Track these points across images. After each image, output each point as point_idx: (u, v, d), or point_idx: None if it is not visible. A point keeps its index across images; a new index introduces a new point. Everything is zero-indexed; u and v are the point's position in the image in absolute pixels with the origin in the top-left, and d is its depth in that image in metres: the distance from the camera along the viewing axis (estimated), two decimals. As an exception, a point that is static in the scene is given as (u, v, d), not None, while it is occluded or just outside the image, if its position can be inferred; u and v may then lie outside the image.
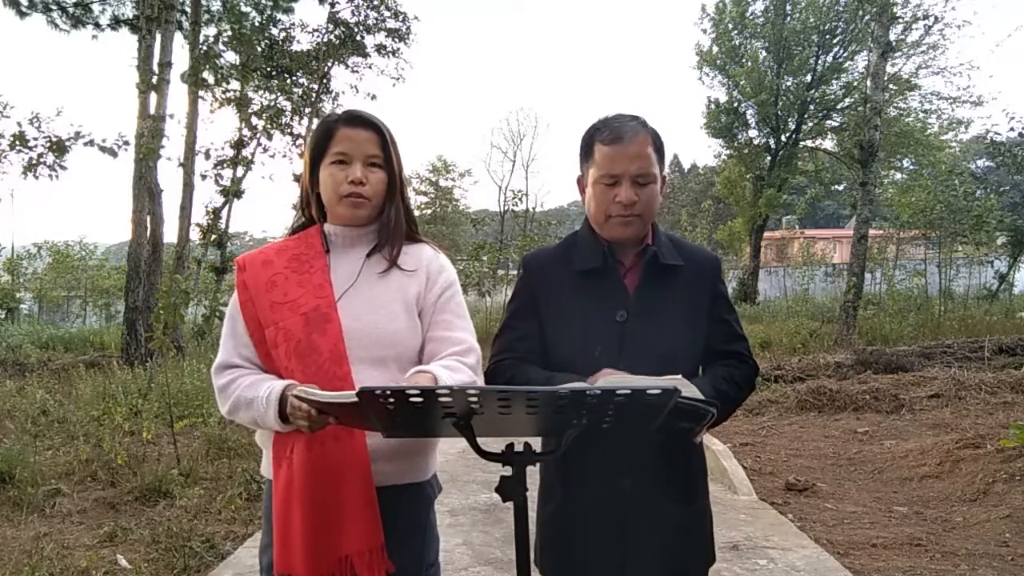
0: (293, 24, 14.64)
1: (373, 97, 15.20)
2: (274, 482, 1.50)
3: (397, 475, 1.56)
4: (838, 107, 22.18)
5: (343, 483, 1.46)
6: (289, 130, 13.70)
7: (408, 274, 1.62)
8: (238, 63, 13.18)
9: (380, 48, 14.95)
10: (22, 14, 12.79)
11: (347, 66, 15.03)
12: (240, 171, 12.77)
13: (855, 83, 21.22)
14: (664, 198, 1.77)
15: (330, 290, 1.56)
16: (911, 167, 21.94)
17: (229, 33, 13.18)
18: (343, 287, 1.57)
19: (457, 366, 1.53)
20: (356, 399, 1.17)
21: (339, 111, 1.66)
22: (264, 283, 1.57)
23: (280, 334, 1.52)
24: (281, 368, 1.51)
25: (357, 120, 1.60)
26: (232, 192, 12.57)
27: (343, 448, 1.47)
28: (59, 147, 9.36)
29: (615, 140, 1.61)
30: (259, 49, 13.39)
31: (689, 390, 1.40)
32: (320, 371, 1.48)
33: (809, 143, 23.58)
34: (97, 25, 13.52)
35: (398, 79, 15.32)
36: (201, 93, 11.72)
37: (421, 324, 1.61)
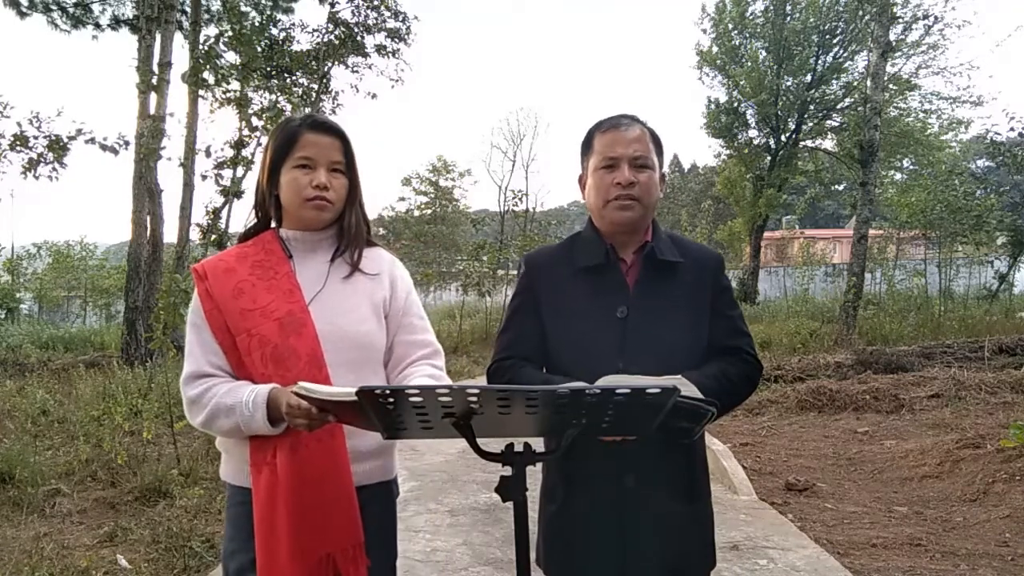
0: (293, 24, 14.63)
1: (373, 97, 15.22)
2: (254, 488, 1.49)
3: (368, 475, 1.60)
4: (838, 107, 22.18)
5: (326, 483, 1.48)
6: (288, 130, 13.67)
7: (371, 277, 1.66)
8: (238, 63, 13.17)
9: (380, 48, 14.94)
10: (22, 14, 12.80)
11: (347, 66, 15.03)
12: (240, 171, 12.76)
13: (855, 83, 21.22)
14: (664, 198, 1.79)
15: (300, 295, 1.58)
16: (911, 167, 21.95)
17: (229, 33, 13.17)
18: (311, 292, 1.59)
19: (438, 374, 1.61)
20: (355, 398, 1.17)
21: (299, 115, 1.68)
22: (230, 291, 1.57)
23: (253, 340, 1.52)
24: (256, 375, 1.51)
25: (322, 127, 1.62)
26: (232, 192, 12.55)
27: (325, 449, 1.49)
28: (59, 147, 9.35)
29: (614, 128, 1.67)
30: (259, 49, 13.38)
31: (688, 389, 1.41)
32: (300, 375, 1.48)
33: (809, 143, 23.59)
34: (97, 25, 13.53)
35: (398, 79, 15.33)
36: (201, 93, 11.71)
37: (388, 327, 1.66)
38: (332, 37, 14.18)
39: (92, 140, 9.54)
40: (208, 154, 10.77)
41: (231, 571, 1.58)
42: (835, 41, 21.89)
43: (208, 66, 11.12)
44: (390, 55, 15.06)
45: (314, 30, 14.39)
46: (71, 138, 9.44)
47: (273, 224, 1.70)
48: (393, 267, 1.72)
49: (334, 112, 15.09)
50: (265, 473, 1.48)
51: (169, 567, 3.45)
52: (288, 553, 1.44)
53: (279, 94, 13.75)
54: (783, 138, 22.96)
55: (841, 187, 28.47)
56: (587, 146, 1.73)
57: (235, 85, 13.45)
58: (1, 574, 3.26)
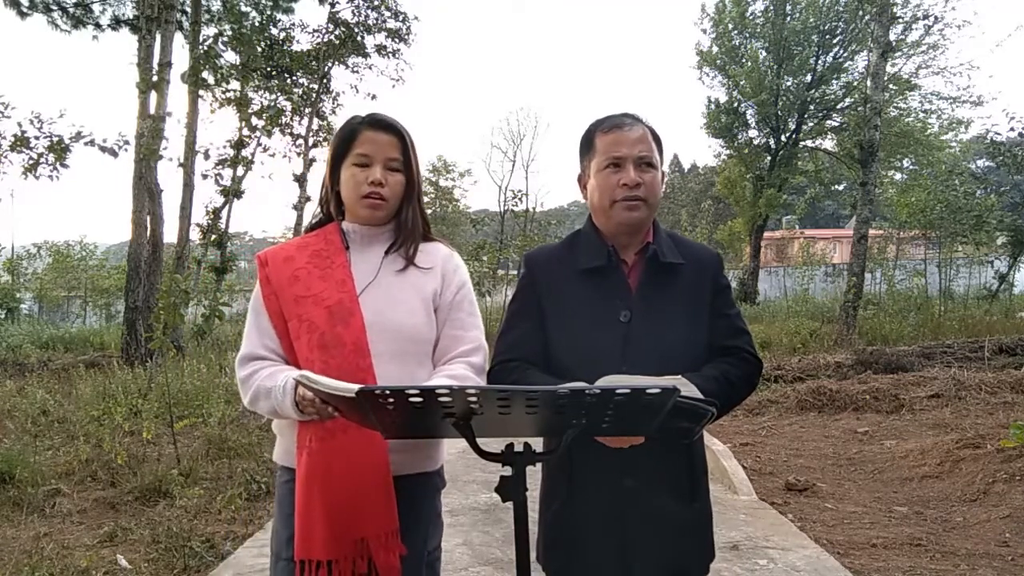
0: (293, 24, 14.64)
1: (373, 97, 15.19)
2: (297, 469, 1.55)
3: (410, 465, 1.62)
4: (838, 107, 22.18)
5: (362, 470, 1.52)
6: (289, 130, 13.70)
7: (424, 271, 1.69)
8: (238, 63, 13.18)
9: (380, 48, 14.95)
10: (23, 15, 12.79)
11: (347, 66, 15.04)
12: (240, 171, 12.77)
13: (855, 83, 21.22)
14: (664, 198, 1.79)
15: (352, 285, 1.62)
16: (911, 167, 21.94)
17: (229, 33, 13.17)
18: (364, 283, 1.64)
19: (464, 375, 1.61)
20: (354, 395, 1.17)
21: (362, 114, 1.71)
22: (287, 278, 1.64)
23: (303, 326, 1.58)
24: (303, 360, 1.56)
25: (380, 124, 1.66)
26: (232, 192, 12.56)
27: (366, 436, 1.51)
28: (60, 149, 9.35)
29: (616, 127, 1.67)
30: (259, 49, 13.38)
31: (688, 389, 1.41)
32: (344, 363, 1.54)
33: (809, 143, 23.59)
34: (97, 25, 13.52)
35: (398, 79, 15.33)
36: (201, 93, 11.71)
37: (437, 320, 1.68)
38: (332, 37, 14.18)
39: (91, 142, 9.53)
40: (207, 156, 10.72)
41: (273, 550, 1.65)
42: (835, 41, 21.89)
43: (207, 66, 11.10)
44: (390, 55, 15.07)
45: (314, 30, 14.41)
46: (72, 140, 9.44)
47: (337, 218, 1.75)
48: (448, 261, 1.74)
49: (334, 112, 15.11)
50: (304, 456, 1.54)
51: (169, 567, 3.45)
52: (322, 535, 1.49)
53: (279, 94, 13.76)
54: (783, 138, 22.96)
55: (841, 187, 28.48)
56: (587, 146, 1.71)
57: (235, 85, 13.48)
58: (1, 574, 3.26)
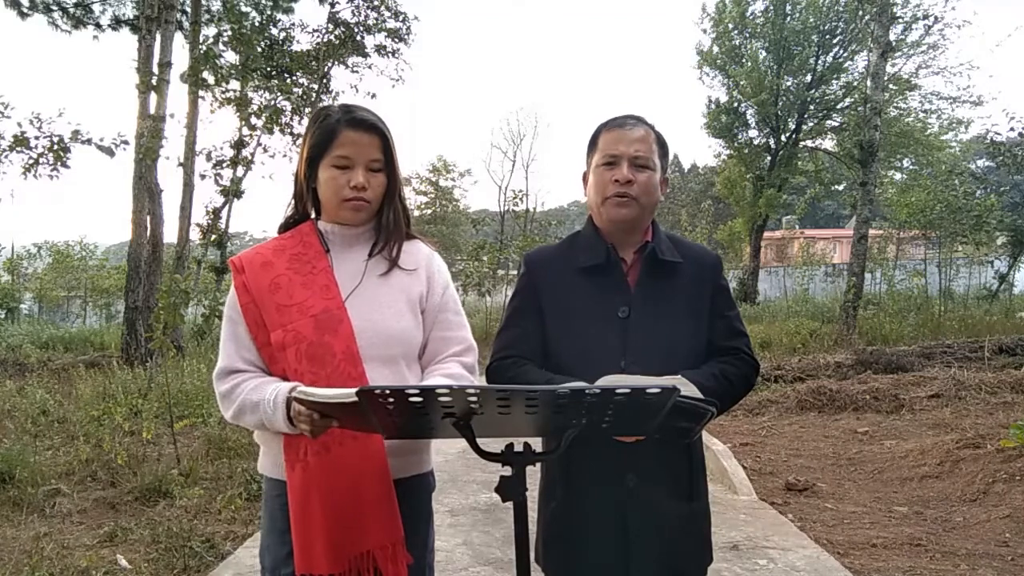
0: (293, 24, 14.65)
1: (373, 96, 15.18)
2: (289, 484, 1.50)
3: (405, 468, 1.60)
4: (838, 107, 22.17)
5: (363, 481, 1.48)
6: (289, 130, 13.71)
7: (408, 273, 1.65)
8: (238, 63, 13.19)
9: (380, 48, 14.95)
10: (23, 15, 12.80)
11: (347, 66, 15.04)
12: (240, 171, 12.78)
13: (855, 83, 21.21)
14: (664, 199, 1.79)
15: (337, 291, 1.56)
16: (911, 167, 21.94)
17: (229, 33, 13.18)
18: (348, 288, 1.58)
19: (460, 373, 1.59)
20: (355, 399, 1.17)
21: (337, 104, 1.65)
22: (267, 286, 1.56)
23: (290, 336, 1.51)
24: (290, 371, 1.51)
25: (361, 124, 1.58)
26: (232, 192, 12.58)
27: (362, 447, 1.48)
28: (60, 149, 9.34)
29: (619, 127, 1.68)
30: (259, 49, 13.39)
31: (688, 389, 1.41)
32: (336, 372, 1.49)
33: (809, 143, 23.58)
34: (98, 25, 13.53)
35: (398, 79, 15.33)
36: (201, 93, 11.71)
37: (424, 323, 1.65)
38: (332, 37, 14.19)
39: (88, 141, 9.52)
40: (209, 158, 10.70)
41: (267, 567, 1.59)
42: (835, 41, 21.88)
43: (208, 66, 11.09)
44: (390, 55, 15.07)
45: (314, 30, 14.41)
46: (71, 139, 9.43)
47: (312, 215, 1.68)
48: (431, 262, 1.69)
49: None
50: (298, 470, 1.48)
51: (169, 567, 3.45)
52: (324, 550, 1.45)
53: (279, 94, 13.77)
54: (783, 138, 22.95)
55: (841, 187, 28.42)
56: (592, 144, 1.74)
57: (235, 85, 13.49)
58: (1, 574, 3.26)
